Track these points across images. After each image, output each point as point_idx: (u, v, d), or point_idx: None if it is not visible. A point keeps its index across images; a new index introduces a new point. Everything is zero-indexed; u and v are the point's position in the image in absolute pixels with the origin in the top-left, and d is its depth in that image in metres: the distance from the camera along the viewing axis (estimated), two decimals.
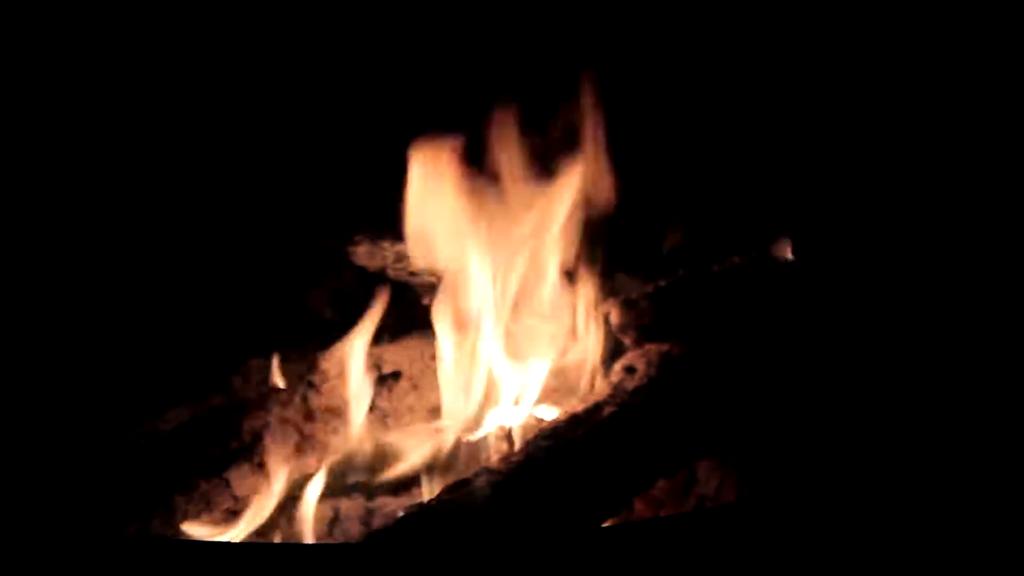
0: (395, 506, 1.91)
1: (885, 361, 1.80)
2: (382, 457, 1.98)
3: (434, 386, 1.95)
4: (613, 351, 1.89)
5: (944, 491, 1.50)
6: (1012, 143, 2.07)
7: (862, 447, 1.70)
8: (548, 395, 1.90)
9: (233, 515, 1.84)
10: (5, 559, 1.38)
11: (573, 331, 1.93)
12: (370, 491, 1.95)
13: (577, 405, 1.70)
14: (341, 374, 1.95)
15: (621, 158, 2.09)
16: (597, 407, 1.68)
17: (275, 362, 2.05)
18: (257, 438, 1.90)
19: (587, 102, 1.98)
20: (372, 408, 1.96)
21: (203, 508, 1.83)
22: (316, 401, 1.93)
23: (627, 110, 2.20)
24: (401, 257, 2.10)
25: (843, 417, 1.75)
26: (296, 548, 1.69)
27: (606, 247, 2.03)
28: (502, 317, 1.93)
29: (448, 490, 1.60)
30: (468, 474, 1.65)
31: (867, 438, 1.71)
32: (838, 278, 1.91)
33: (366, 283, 2.10)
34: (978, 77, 2.11)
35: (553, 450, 1.62)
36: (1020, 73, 2.07)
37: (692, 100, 2.26)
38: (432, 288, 2.02)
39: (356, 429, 1.91)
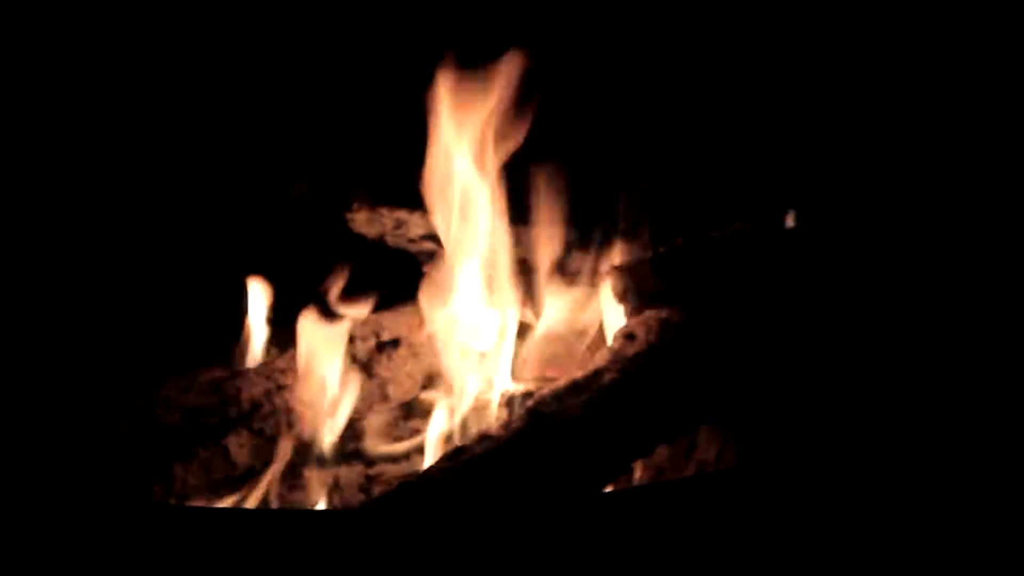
0: (395, 473, 1.91)
1: (884, 327, 1.79)
2: (382, 424, 1.99)
3: (433, 353, 1.95)
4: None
5: (944, 457, 1.49)
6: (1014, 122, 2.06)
7: (861, 413, 1.70)
8: (549, 362, 1.90)
9: (232, 482, 1.85)
10: (6, 529, 1.38)
11: (573, 298, 1.92)
12: (369, 459, 1.95)
13: (577, 372, 1.70)
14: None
15: (623, 125, 2.09)
16: (597, 374, 1.67)
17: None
18: (256, 406, 1.90)
19: None
20: (372, 375, 1.96)
21: (202, 476, 1.83)
22: None
23: (631, 76, 2.19)
24: (400, 224, 2.10)
25: (843, 382, 1.75)
26: (296, 515, 1.69)
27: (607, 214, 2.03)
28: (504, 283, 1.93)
29: (447, 457, 1.60)
30: (468, 441, 1.65)
31: (866, 404, 1.71)
32: (839, 244, 1.90)
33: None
34: (981, 56, 2.10)
35: (553, 416, 1.61)
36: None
37: (693, 66, 2.25)
38: (431, 255, 2.02)
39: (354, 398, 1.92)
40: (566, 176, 1.96)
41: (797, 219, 1.96)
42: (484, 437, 1.61)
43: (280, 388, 1.93)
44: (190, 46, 2.24)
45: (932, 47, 2.13)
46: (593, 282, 1.93)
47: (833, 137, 2.19)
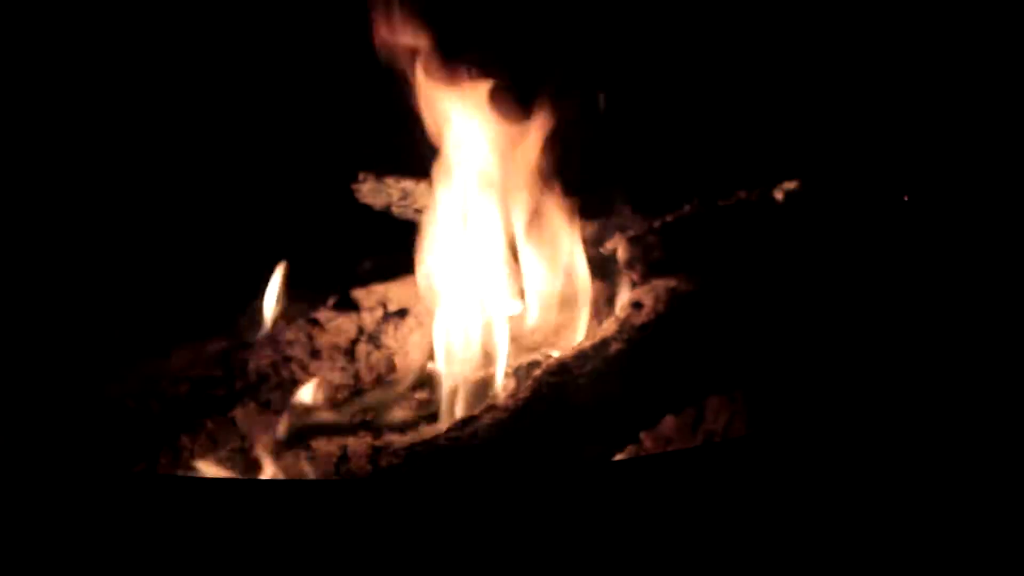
0: (402, 444, 1.91)
1: (891, 295, 1.79)
2: (390, 394, 1.98)
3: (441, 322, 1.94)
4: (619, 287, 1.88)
5: (952, 427, 1.49)
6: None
7: (870, 383, 1.69)
8: (555, 332, 1.89)
9: (239, 454, 1.85)
10: (11, 501, 1.39)
11: (580, 268, 1.92)
12: (377, 429, 1.95)
13: (584, 341, 1.69)
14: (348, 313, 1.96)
15: (626, 92, 2.07)
16: (604, 343, 1.67)
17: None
18: (263, 377, 1.90)
19: None
20: (379, 346, 1.96)
21: (209, 447, 1.83)
22: (321, 339, 1.93)
23: (633, 43, 2.18)
24: (406, 194, 2.09)
25: (851, 353, 1.74)
26: (303, 485, 1.69)
27: (611, 183, 2.02)
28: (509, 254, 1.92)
29: (455, 427, 1.60)
30: (475, 411, 1.64)
31: (875, 374, 1.70)
32: (847, 211, 1.89)
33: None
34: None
35: (560, 386, 1.61)
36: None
37: (696, 33, 2.24)
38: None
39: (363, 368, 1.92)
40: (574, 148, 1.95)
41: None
42: (491, 407, 1.61)
43: (287, 360, 1.93)
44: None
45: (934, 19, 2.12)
46: (599, 250, 1.92)
47: (840, 104, 2.18)
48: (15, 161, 2.17)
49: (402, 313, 1.98)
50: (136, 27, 2.22)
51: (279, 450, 1.83)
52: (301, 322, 1.96)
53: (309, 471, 1.84)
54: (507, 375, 1.84)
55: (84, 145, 2.24)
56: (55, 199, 2.21)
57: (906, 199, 1.88)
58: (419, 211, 2.08)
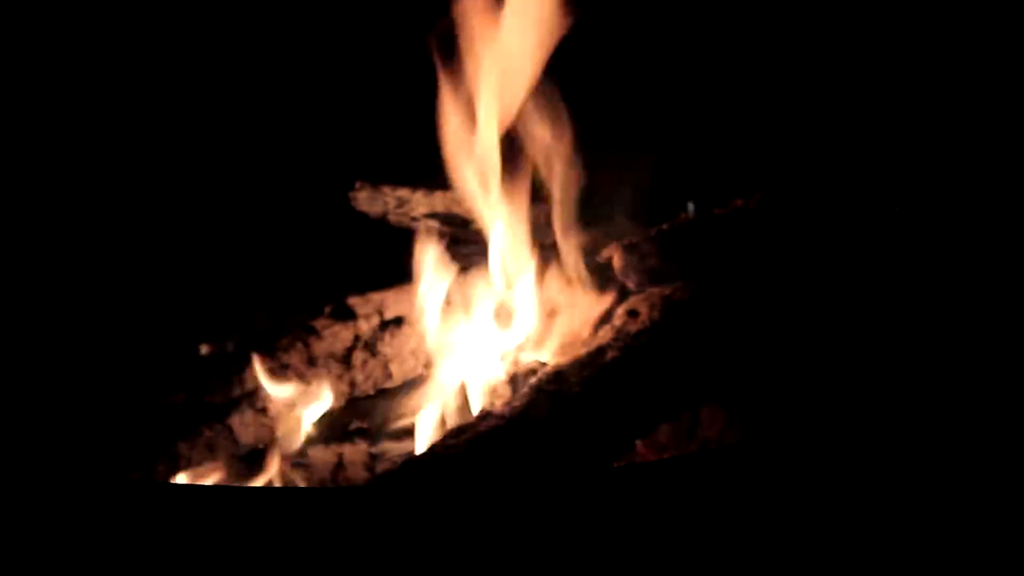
0: (399, 451, 1.91)
1: (884, 303, 1.79)
2: (385, 403, 1.99)
3: (437, 331, 1.94)
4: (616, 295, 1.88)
5: (946, 434, 1.49)
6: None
7: (864, 389, 1.70)
8: (552, 339, 1.89)
9: (236, 461, 1.85)
10: (10, 507, 1.39)
11: (575, 274, 1.92)
12: (373, 437, 1.95)
13: (580, 349, 1.70)
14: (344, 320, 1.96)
15: (624, 103, 2.08)
16: (600, 351, 1.67)
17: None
18: (259, 384, 1.90)
19: None
20: (375, 353, 1.96)
21: (206, 454, 1.83)
22: (318, 347, 1.93)
23: (629, 51, 2.18)
24: (402, 202, 2.09)
25: (845, 360, 1.74)
26: (300, 492, 1.69)
27: (607, 191, 2.02)
28: (505, 263, 1.92)
29: (452, 435, 1.60)
30: (471, 419, 1.65)
31: (869, 380, 1.71)
32: (840, 220, 1.90)
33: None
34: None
35: (557, 394, 1.61)
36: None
37: (693, 42, 2.25)
38: (435, 232, 2.01)
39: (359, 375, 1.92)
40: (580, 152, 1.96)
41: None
42: (487, 415, 1.61)
43: (284, 367, 1.93)
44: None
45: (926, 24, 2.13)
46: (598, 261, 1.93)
47: (834, 113, 2.19)
48: (18, 165, 2.17)
49: (398, 321, 1.99)
50: (138, 35, 2.22)
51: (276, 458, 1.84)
52: (298, 330, 1.96)
53: (306, 479, 1.85)
54: (504, 383, 1.85)
55: (84, 151, 2.25)
56: (55, 205, 2.21)
57: (897, 209, 1.88)
58: (415, 219, 2.08)
